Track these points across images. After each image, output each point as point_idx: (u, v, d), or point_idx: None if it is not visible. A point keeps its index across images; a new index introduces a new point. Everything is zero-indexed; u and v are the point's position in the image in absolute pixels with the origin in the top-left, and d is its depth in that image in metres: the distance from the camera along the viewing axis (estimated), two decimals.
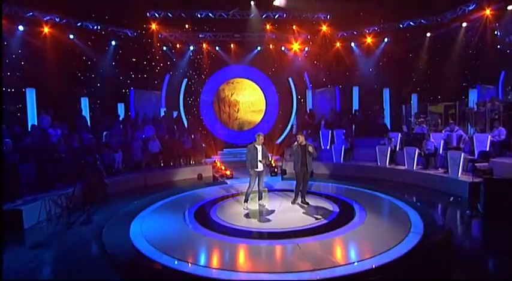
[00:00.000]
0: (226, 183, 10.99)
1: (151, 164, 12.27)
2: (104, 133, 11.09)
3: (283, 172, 12.13)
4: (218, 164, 13.78)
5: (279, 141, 16.72)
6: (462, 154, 9.26)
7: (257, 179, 7.86)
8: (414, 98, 14.18)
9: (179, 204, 8.48)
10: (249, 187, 7.88)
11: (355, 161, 12.92)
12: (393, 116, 14.21)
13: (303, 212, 7.40)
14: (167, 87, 16.43)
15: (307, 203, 8.06)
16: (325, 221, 6.68)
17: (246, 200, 7.94)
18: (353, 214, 7.18)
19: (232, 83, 17.33)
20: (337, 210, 7.52)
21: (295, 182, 8.26)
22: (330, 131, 13.97)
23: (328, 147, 13.96)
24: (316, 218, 6.85)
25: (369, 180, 11.05)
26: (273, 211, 7.56)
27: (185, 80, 16.72)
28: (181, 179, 12.14)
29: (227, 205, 8.29)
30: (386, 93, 14.82)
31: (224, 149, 16.45)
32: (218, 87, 17.26)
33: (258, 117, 17.40)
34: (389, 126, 14.44)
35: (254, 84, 17.39)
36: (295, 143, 7.93)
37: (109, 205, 8.73)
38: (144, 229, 6.39)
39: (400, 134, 12.40)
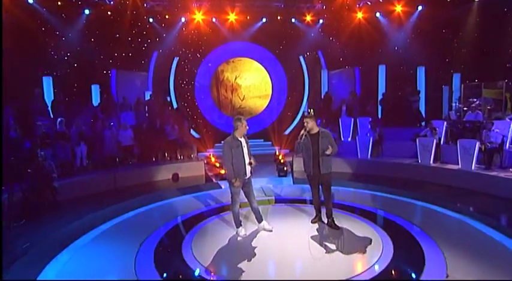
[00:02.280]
0: (221, 187, 8.35)
1: (125, 160, 9.65)
2: (59, 120, 8.47)
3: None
4: (213, 159, 11.16)
5: (288, 131, 14.02)
6: None
7: (243, 192, 5.21)
8: (456, 78, 11.31)
9: (141, 224, 5.87)
10: (233, 206, 5.22)
11: (385, 157, 10.17)
12: (430, 100, 11.36)
13: (334, 248, 4.71)
14: (155, 68, 13.76)
15: (337, 227, 5.39)
16: (374, 272, 3.97)
17: (237, 224, 5.31)
18: (418, 251, 4.47)
19: (233, 61, 14.57)
20: (388, 241, 4.82)
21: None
22: (353, 119, 11.22)
23: (349, 139, 11.25)
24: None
25: (408, 183, 8.36)
26: (284, 245, 4.90)
27: (176, 59, 14.01)
28: (164, 179, 9.51)
29: (212, 229, 5.64)
30: (421, 72, 11.93)
31: (222, 142, 13.78)
32: (216, 67, 14.53)
33: (263, 104, 14.66)
34: (423, 113, 11.66)
35: (258, 64, 14.61)
36: (302, 131, 5.24)
37: (53, 218, 6.15)
38: None
39: (445, 123, 9.60)
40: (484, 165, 8.10)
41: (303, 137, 5.16)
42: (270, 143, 13.61)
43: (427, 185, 8.25)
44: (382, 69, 12.54)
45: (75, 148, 8.60)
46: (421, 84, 11.72)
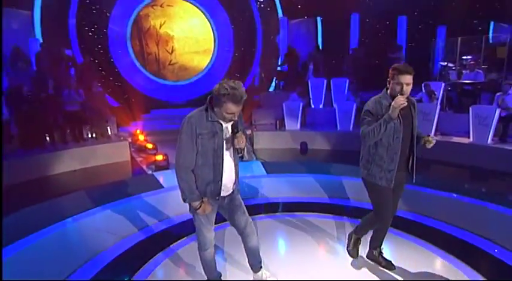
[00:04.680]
0: (161, 185, 5.34)
1: None
2: None
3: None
4: (141, 137, 7.96)
5: None
6: None
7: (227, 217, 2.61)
8: (441, 32, 9.57)
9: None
10: (201, 247, 2.53)
11: None
12: (412, 58, 9.48)
13: None
14: (43, 6, 9.49)
15: (391, 265, 3.01)
16: None
17: (212, 277, 2.64)
18: None
19: (161, 5, 10.95)
20: None
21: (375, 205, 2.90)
22: (326, 81, 8.89)
23: (321, 105, 8.97)
24: None
25: None
26: None
27: None
28: (64, 171, 6.18)
29: None
30: (402, 23, 9.89)
31: (152, 111, 10.50)
32: (137, 11, 10.78)
33: (203, 61, 11.48)
34: None
35: (196, 9, 11.22)
36: (400, 99, 2.49)
37: None
38: None
39: (443, 85, 7.80)
40: (498, 137, 6.52)
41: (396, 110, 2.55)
42: None
43: (435, 165, 6.36)
44: (354, 19, 10.21)
45: None
46: (401, 38, 9.73)
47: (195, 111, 2.32)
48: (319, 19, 11.16)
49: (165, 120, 9.90)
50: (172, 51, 11.16)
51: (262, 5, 11.35)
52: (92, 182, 5.59)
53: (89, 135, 7.06)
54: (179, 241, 3.50)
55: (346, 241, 3.19)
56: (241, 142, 2.29)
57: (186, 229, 3.62)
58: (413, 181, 2.80)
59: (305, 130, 8.13)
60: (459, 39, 8.11)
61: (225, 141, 2.32)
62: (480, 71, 7.73)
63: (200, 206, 2.32)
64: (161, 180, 5.48)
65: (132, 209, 4.31)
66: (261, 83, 11.40)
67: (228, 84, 2.17)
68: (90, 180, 5.80)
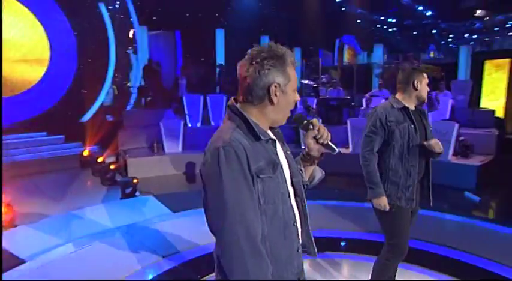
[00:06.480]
0: (15, 256, 3.33)
1: None
2: None
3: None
4: None
5: (85, 118, 9.05)
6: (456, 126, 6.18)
7: None
8: (297, 52, 10.39)
9: None
10: None
11: None
12: None
13: None
14: None
15: None
16: None
17: None
18: None
19: None
20: None
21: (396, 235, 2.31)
22: (203, 97, 8.11)
23: (199, 124, 8.14)
24: None
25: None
26: None
27: None
28: None
29: None
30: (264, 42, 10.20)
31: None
32: None
33: (35, 73, 8.75)
34: None
35: (23, 8, 8.53)
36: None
37: None
38: None
39: (316, 100, 8.33)
40: None
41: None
42: (61, 137, 8.24)
43: (331, 177, 6.53)
44: (219, 34, 9.87)
45: None
46: None
47: (229, 132, 1.15)
48: (177, 33, 10.39)
49: None
50: None
51: (116, 15, 9.60)
52: None
53: None
54: None
55: None
56: (325, 131, 1.29)
57: None
58: (431, 204, 2.41)
59: (188, 152, 7.12)
60: (320, 60, 8.92)
61: (287, 171, 1.27)
62: (341, 88, 8.67)
63: None
64: (11, 247, 3.47)
65: None
66: (115, 100, 9.73)
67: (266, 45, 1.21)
68: None
